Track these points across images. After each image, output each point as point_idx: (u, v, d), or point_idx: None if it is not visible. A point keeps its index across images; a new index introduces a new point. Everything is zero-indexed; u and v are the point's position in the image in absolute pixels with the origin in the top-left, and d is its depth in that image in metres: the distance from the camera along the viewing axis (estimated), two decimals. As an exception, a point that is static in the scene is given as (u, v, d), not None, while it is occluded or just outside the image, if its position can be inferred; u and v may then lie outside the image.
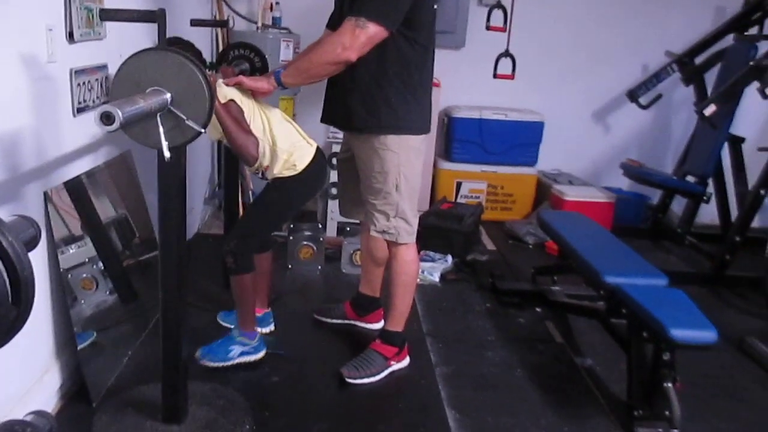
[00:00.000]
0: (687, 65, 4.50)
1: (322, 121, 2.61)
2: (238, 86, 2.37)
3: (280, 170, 2.43)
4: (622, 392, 2.50)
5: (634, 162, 4.62)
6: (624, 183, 4.92)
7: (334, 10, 2.49)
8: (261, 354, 2.61)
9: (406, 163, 2.44)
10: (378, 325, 2.91)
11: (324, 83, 2.51)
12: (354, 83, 2.37)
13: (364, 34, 2.17)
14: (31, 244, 0.89)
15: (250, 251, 2.52)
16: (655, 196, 4.84)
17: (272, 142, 2.40)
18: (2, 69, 1.87)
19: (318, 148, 2.53)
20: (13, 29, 1.90)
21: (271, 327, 2.94)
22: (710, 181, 4.25)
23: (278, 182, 2.46)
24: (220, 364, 2.54)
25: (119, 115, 1.32)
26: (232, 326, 2.71)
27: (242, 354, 2.58)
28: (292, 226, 3.67)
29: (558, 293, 3.37)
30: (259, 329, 2.74)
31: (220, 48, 4.14)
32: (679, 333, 2.16)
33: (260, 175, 2.52)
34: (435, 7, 2.39)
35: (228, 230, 3.24)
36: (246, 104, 2.36)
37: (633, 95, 4.66)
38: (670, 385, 2.28)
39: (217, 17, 4.22)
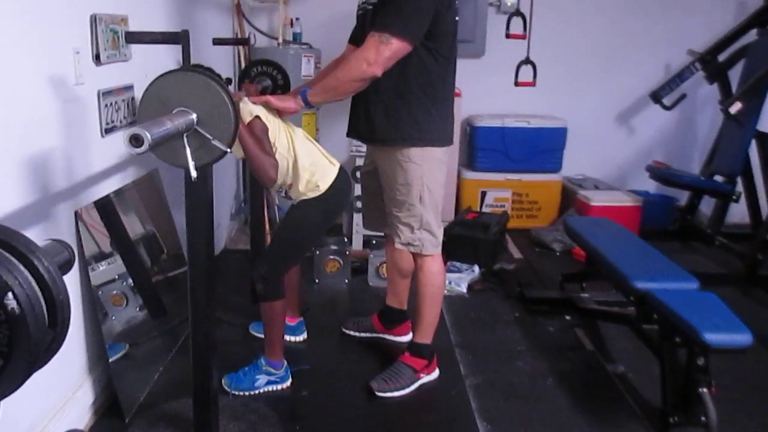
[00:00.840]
0: (710, 63, 4.43)
1: (347, 134, 2.63)
2: (264, 104, 2.39)
3: (304, 190, 2.41)
4: (656, 399, 2.45)
5: (660, 164, 4.57)
6: (650, 185, 4.86)
7: (357, 25, 2.51)
8: (287, 383, 2.58)
9: (430, 174, 2.44)
10: (406, 338, 2.90)
11: (348, 104, 2.53)
12: (377, 96, 2.38)
13: (388, 50, 2.18)
14: (66, 267, 0.91)
15: (281, 277, 2.50)
16: (683, 197, 4.76)
17: (294, 159, 2.40)
18: (32, 92, 1.92)
19: (341, 168, 2.51)
20: (42, 53, 1.95)
21: (304, 335, 2.97)
22: (739, 180, 4.17)
23: (302, 204, 2.44)
24: (246, 393, 2.53)
25: (148, 137, 1.34)
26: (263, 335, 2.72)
27: (269, 383, 2.55)
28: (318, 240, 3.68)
29: (587, 300, 3.33)
30: (292, 338, 2.82)
31: (242, 65, 4.19)
32: (713, 337, 2.12)
33: (284, 193, 2.52)
34: (456, 18, 2.39)
35: (254, 246, 3.27)
36: (271, 121, 2.37)
37: (656, 96, 4.61)
38: (705, 390, 2.24)
39: (239, 35, 4.27)
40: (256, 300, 2.63)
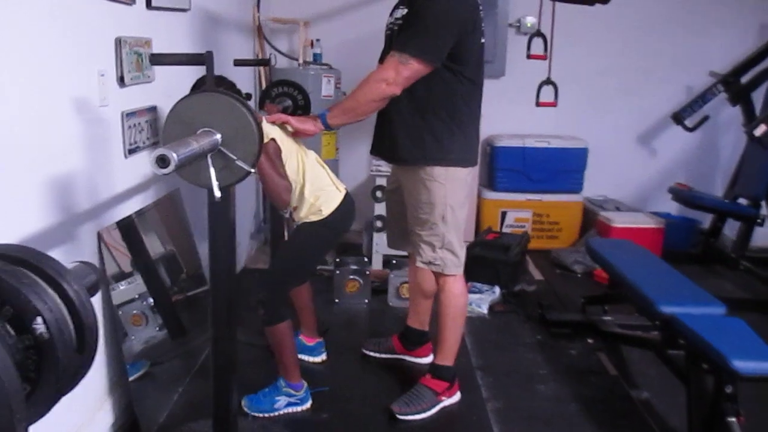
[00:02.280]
0: (733, 85, 4.40)
1: (371, 152, 2.63)
2: (281, 125, 2.40)
3: (306, 214, 2.43)
4: (682, 426, 2.40)
5: (683, 185, 4.51)
6: (672, 207, 4.81)
7: (384, 47, 2.52)
8: (308, 405, 2.56)
9: (453, 194, 2.43)
10: (427, 359, 2.87)
11: (368, 124, 2.54)
12: (400, 116, 2.38)
13: (407, 70, 2.19)
14: (93, 290, 0.90)
15: (281, 300, 2.49)
16: (706, 220, 4.70)
17: (302, 183, 2.41)
18: (58, 114, 1.93)
19: (347, 194, 2.52)
20: (67, 75, 1.97)
21: (323, 356, 2.95)
22: (763, 203, 4.12)
23: (304, 227, 2.45)
24: (266, 415, 2.51)
25: (174, 158, 1.33)
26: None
27: (288, 405, 2.53)
28: (338, 260, 3.67)
29: (610, 323, 3.28)
30: (311, 358, 2.83)
31: (263, 86, 4.22)
32: (742, 364, 2.07)
33: (288, 214, 2.53)
34: (483, 41, 2.39)
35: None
36: (285, 143, 2.38)
37: (678, 118, 4.58)
38: (733, 419, 2.18)
39: (259, 56, 4.31)
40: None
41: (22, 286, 0.72)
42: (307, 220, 2.44)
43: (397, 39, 2.26)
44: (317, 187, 2.43)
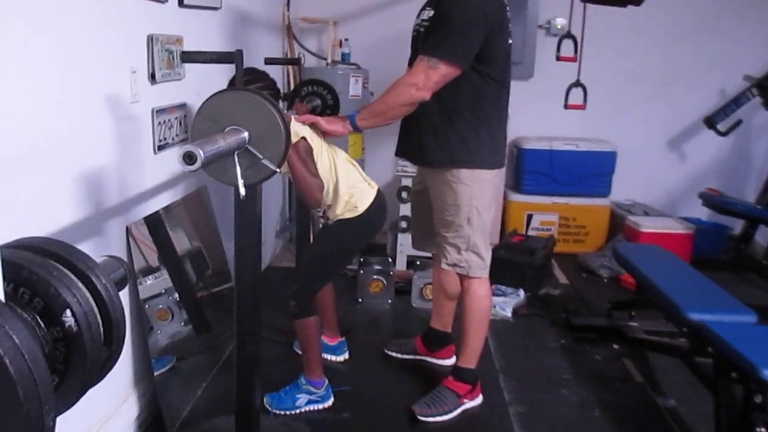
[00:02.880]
0: (767, 89, 4.32)
1: (396, 154, 2.63)
2: (311, 124, 2.41)
3: (342, 211, 2.43)
4: (710, 436, 2.36)
5: (714, 191, 4.44)
6: (702, 213, 4.73)
7: (412, 49, 2.51)
8: (329, 402, 2.57)
9: (479, 196, 2.41)
10: (449, 361, 2.86)
11: (396, 127, 2.54)
12: (426, 117, 2.38)
13: (436, 74, 2.19)
14: (121, 284, 0.91)
15: (312, 295, 2.51)
16: (737, 226, 4.62)
17: (335, 180, 2.42)
18: (89, 109, 1.96)
19: (379, 190, 2.53)
20: (100, 72, 2.00)
21: (345, 356, 2.96)
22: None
23: (339, 224, 2.46)
24: (287, 413, 2.52)
25: (201, 155, 1.34)
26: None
27: (309, 403, 2.54)
28: (362, 259, 3.68)
29: (636, 329, 3.23)
30: (334, 357, 2.85)
31: (292, 85, 4.24)
32: (772, 375, 2.03)
33: (321, 214, 2.54)
34: (510, 42, 2.38)
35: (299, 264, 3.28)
36: (315, 142, 2.39)
37: (711, 122, 4.50)
38: (763, 430, 2.14)
39: (288, 55, 4.33)
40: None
41: (53, 279, 0.74)
42: (343, 217, 2.44)
43: (425, 43, 2.26)
44: (350, 184, 2.44)
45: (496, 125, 2.43)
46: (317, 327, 2.54)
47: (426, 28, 2.35)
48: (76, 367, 0.74)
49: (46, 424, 0.63)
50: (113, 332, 0.78)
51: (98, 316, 0.77)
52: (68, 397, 0.76)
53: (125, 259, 2.22)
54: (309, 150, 2.35)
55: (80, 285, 0.76)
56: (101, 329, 0.77)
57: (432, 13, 2.33)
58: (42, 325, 0.73)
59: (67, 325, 0.73)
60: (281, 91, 3.22)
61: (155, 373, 2.36)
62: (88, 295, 0.76)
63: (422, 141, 2.42)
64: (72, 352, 0.74)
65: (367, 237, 2.61)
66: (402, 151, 2.59)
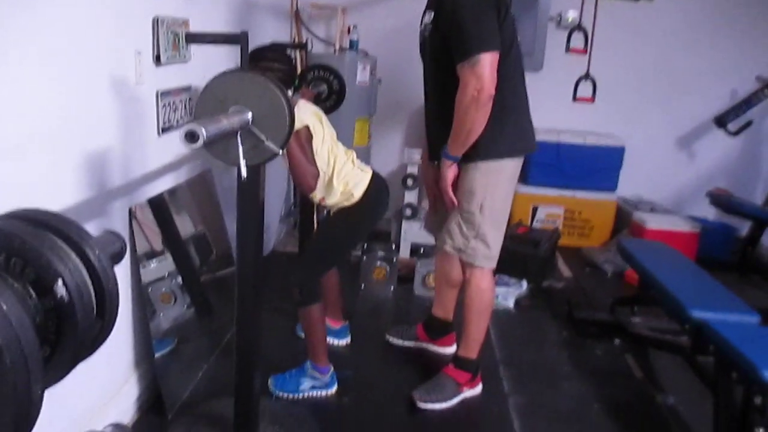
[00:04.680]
0: (780, 90, 4.29)
1: (430, 159, 2.61)
2: (318, 120, 2.44)
3: (339, 200, 2.45)
4: (708, 434, 2.36)
5: (722, 191, 4.40)
6: (709, 213, 4.69)
7: (423, 61, 2.49)
8: (333, 389, 2.57)
9: (494, 186, 2.40)
10: (450, 349, 2.86)
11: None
12: (448, 117, 2.32)
13: (482, 68, 2.16)
14: (117, 258, 0.91)
15: (316, 282, 2.51)
16: (744, 227, 4.58)
17: (330, 174, 2.43)
18: (94, 91, 1.95)
19: (373, 174, 2.53)
20: (105, 53, 1.99)
21: (348, 339, 2.97)
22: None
23: (340, 212, 2.48)
24: (290, 396, 2.53)
25: (203, 133, 1.34)
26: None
27: (313, 388, 2.55)
28: (366, 246, 3.67)
29: (638, 325, 3.22)
30: (336, 341, 2.88)
31: (299, 69, 4.22)
32: (773, 376, 2.01)
33: (316, 202, 2.54)
34: (514, 23, 2.36)
35: (302, 249, 3.28)
36: (318, 133, 2.40)
37: (721, 121, 4.46)
38: (761, 431, 2.13)
39: (296, 40, 4.31)
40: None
41: (45, 249, 0.73)
42: (341, 206, 2.46)
43: (457, 53, 2.21)
44: (344, 175, 2.45)
45: (519, 110, 2.41)
46: (322, 314, 2.54)
47: (430, 31, 2.34)
48: (67, 338, 0.74)
49: (34, 393, 0.62)
50: (106, 304, 0.78)
51: (91, 288, 0.77)
52: (60, 368, 0.76)
53: (127, 240, 2.23)
54: (309, 138, 2.37)
55: (73, 256, 0.76)
56: (94, 301, 0.77)
57: (433, 14, 2.31)
58: (33, 295, 0.73)
59: (58, 295, 0.73)
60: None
61: (157, 355, 2.36)
62: (81, 266, 0.76)
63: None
64: (63, 323, 0.74)
65: (370, 221, 2.60)
66: (436, 157, 2.52)
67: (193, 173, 2.78)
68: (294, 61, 4.31)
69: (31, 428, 0.66)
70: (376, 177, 2.52)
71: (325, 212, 3.99)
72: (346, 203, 2.45)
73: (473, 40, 2.17)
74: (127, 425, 2.16)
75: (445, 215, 2.55)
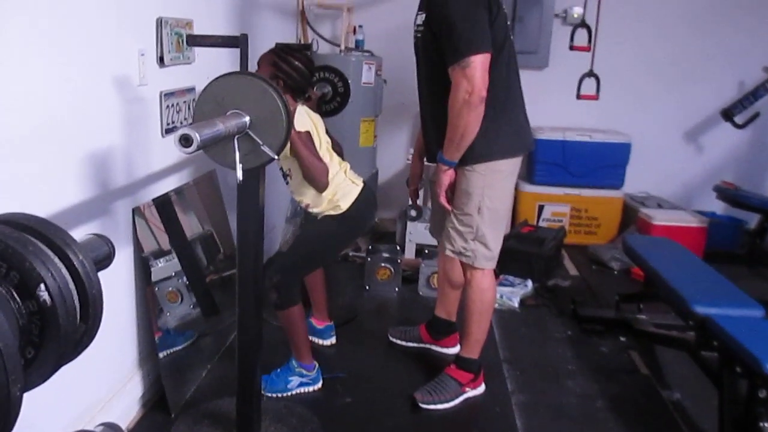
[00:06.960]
0: (788, 82, 4.25)
1: (428, 161, 2.62)
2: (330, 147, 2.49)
3: (324, 209, 2.48)
4: (713, 430, 2.33)
5: (729, 184, 4.38)
6: (717, 206, 4.67)
7: (417, 60, 2.49)
8: (319, 385, 2.60)
9: (492, 187, 2.39)
10: (453, 350, 2.87)
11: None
12: (445, 121, 2.32)
13: (473, 70, 2.15)
14: (104, 262, 0.93)
15: (294, 285, 2.52)
16: (752, 220, 4.55)
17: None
18: (98, 91, 1.98)
19: (365, 186, 2.55)
20: (108, 54, 2.02)
21: (332, 340, 2.98)
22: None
23: (324, 220, 2.51)
24: (280, 395, 2.55)
25: (197, 138, 1.36)
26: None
27: (301, 385, 2.57)
28: (370, 247, 3.68)
29: (644, 322, 3.21)
30: (320, 341, 2.89)
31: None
32: (777, 370, 2.01)
33: (301, 207, 2.57)
34: (508, 23, 2.35)
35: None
36: (315, 139, 2.44)
37: (728, 114, 4.43)
38: (766, 425, 2.12)
39: (302, 40, 4.33)
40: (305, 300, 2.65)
41: (28, 254, 0.75)
42: (327, 214, 2.49)
43: (449, 55, 2.21)
44: (334, 184, 2.47)
45: (514, 109, 2.41)
46: (301, 314, 2.53)
47: (422, 33, 2.34)
48: (50, 341, 0.76)
49: (12, 394, 0.64)
50: (90, 308, 0.80)
51: (74, 292, 0.79)
52: (43, 370, 0.77)
53: (131, 240, 2.25)
54: (311, 140, 2.40)
55: (56, 261, 0.78)
56: (77, 305, 0.79)
57: (424, 16, 2.31)
58: (17, 298, 0.75)
59: (41, 299, 0.74)
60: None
61: (177, 347, 2.42)
62: (64, 270, 0.78)
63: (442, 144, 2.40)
64: (46, 326, 0.75)
65: (353, 234, 2.66)
66: (433, 158, 2.52)
67: (199, 173, 2.80)
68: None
69: (10, 429, 0.68)
70: (365, 190, 2.54)
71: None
72: (332, 212, 2.48)
73: (464, 42, 2.16)
74: (119, 425, 2.18)
75: (444, 216, 2.56)
